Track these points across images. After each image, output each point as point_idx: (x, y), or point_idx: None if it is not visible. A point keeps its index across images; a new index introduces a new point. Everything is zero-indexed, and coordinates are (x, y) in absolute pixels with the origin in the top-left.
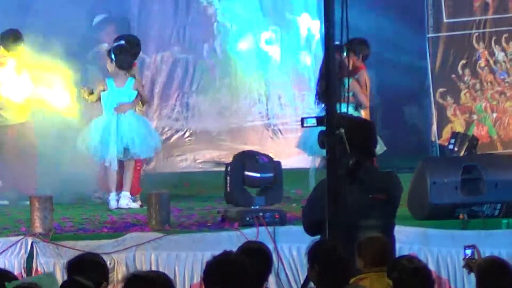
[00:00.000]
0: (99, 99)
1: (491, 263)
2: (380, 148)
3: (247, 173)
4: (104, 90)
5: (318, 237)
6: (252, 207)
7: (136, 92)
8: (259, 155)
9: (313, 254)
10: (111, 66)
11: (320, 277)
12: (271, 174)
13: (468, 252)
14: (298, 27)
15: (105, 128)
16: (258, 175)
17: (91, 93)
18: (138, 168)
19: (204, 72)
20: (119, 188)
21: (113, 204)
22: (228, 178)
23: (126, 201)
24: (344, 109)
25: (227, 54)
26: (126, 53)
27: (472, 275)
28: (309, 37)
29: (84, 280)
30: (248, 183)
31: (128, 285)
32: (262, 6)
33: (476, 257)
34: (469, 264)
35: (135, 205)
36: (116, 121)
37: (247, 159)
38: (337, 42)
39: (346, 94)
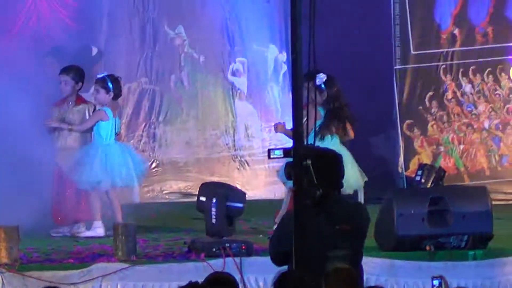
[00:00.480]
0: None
1: None
2: (361, 178)
3: (230, 204)
4: (102, 120)
5: (285, 267)
6: (224, 238)
7: (120, 121)
8: (228, 185)
9: (280, 285)
10: (105, 96)
11: None
12: (243, 204)
13: (436, 282)
14: (266, 58)
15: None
16: (241, 205)
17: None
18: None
19: (171, 103)
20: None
21: (101, 231)
22: (214, 209)
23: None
24: (330, 140)
25: (194, 85)
26: (118, 83)
27: None
28: (276, 69)
29: None
30: (231, 213)
31: None
32: (229, 38)
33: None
34: None
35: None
36: (118, 150)
37: (227, 190)
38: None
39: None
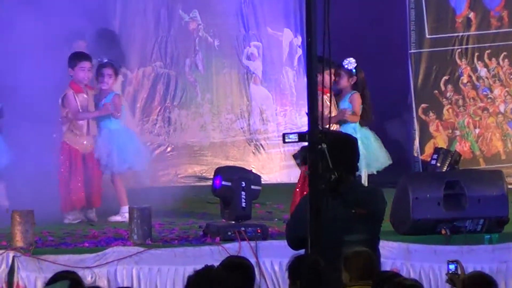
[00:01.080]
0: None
1: (476, 278)
2: (385, 161)
3: (254, 187)
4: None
5: (300, 251)
6: (233, 222)
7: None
8: (247, 169)
9: (294, 270)
10: (115, 82)
11: None
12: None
13: (452, 267)
14: (281, 42)
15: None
16: (259, 188)
17: None
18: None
19: (186, 87)
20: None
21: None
22: (243, 193)
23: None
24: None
25: (209, 69)
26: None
27: None
28: (291, 53)
29: None
30: (253, 197)
31: None
32: (244, 22)
33: (459, 272)
34: (452, 279)
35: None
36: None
37: (249, 173)
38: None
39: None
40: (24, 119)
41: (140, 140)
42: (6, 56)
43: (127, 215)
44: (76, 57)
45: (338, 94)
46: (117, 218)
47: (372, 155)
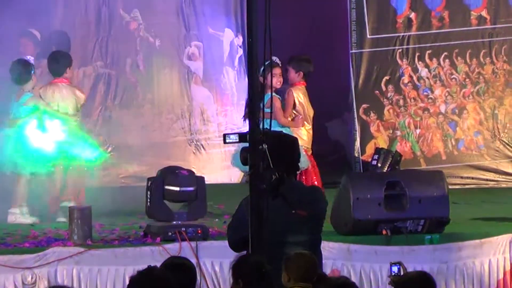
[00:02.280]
0: None
1: (415, 278)
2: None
3: (167, 187)
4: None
5: (242, 252)
6: (174, 222)
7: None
8: (180, 169)
9: (237, 269)
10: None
11: None
12: (191, 188)
13: (395, 269)
14: (221, 42)
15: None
16: (177, 189)
17: None
18: None
19: (127, 87)
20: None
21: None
22: (149, 192)
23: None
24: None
25: (150, 69)
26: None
27: None
28: (232, 53)
29: None
30: (168, 197)
31: None
32: (185, 21)
33: (402, 273)
34: (395, 281)
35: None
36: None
37: (167, 173)
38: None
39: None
40: None
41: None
42: None
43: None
44: None
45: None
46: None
47: None
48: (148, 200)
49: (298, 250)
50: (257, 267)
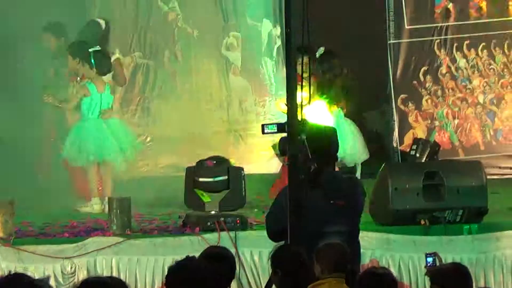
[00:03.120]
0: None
1: (450, 269)
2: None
3: (198, 178)
4: (85, 95)
5: (282, 242)
6: (213, 212)
7: (113, 97)
8: (215, 160)
9: (276, 259)
10: (89, 71)
11: (282, 282)
12: (219, 178)
13: (430, 259)
14: (260, 32)
15: (89, 133)
16: (202, 179)
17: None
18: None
19: (165, 78)
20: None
21: (98, 208)
22: (184, 183)
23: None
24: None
25: (188, 60)
26: (105, 58)
27: None
28: (270, 43)
29: None
30: (202, 187)
31: None
32: (223, 12)
33: (437, 264)
34: (431, 271)
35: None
36: (99, 125)
37: (200, 164)
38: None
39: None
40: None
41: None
42: None
43: (95, 206)
44: None
45: None
46: (87, 209)
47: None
48: (185, 190)
49: (330, 241)
50: (295, 257)
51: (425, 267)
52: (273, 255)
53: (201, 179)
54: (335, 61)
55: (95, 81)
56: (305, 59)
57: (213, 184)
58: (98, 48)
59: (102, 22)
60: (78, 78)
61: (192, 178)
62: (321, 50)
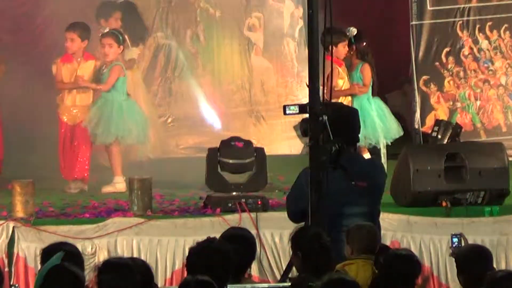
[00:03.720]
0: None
1: (471, 251)
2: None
3: (222, 159)
4: (120, 76)
5: (302, 223)
6: (234, 193)
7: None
8: (237, 141)
9: (296, 241)
10: (118, 51)
11: (302, 263)
12: (248, 160)
13: (455, 240)
14: (282, 13)
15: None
16: (232, 160)
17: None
18: None
19: (187, 58)
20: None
21: (122, 187)
22: (206, 164)
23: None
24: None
25: (210, 40)
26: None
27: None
28: (292, 24)
29: (75, 268)
30: (224, 168)
31: (102, 271)
32: None
33: (462, 244)
34: (455, 252)
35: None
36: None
37: (224, 145)
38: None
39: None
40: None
41: (142, 112)
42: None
43: (118, 185)
44: (66, 28)
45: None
46: (109, 188)
47: (387, 125)
48: (206, 172)
49: (357, 222)
50: (316, 239)
51: (450, 247)
52: (293, 237)
53: (229, 160)
54: (366, 41)
55: (122, 61)
56: (335, 40)
57: (242, 165)
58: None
59: None
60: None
61: (215, 159)
62: (354, 30)
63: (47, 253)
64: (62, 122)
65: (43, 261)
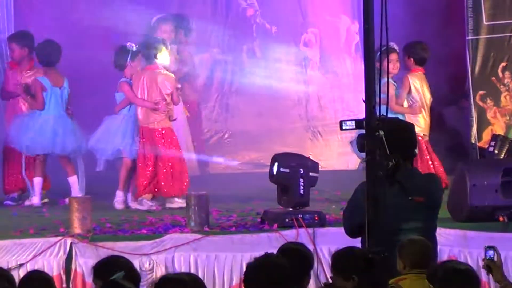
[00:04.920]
0: None
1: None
2: None
3: (312, 174)
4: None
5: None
6: (291, 208)
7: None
8: (304, 156)
9: (347, 265)
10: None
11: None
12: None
13: (491, 252)
14: (338, 28)
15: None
16: (316, 175)
17: None
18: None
19: (244, 74)
20: (122, 188)
21: (117, 205)
22: (302, 180)
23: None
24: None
25: (266, 55)
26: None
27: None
28: (348, 39)
29: (126, 283)
30: (311, 184)
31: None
32: (301, 8)
33: (495, 258)
34: (489, 265)
35: (140, 207)
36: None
37: (305, 160)
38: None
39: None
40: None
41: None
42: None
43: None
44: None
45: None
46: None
47: None
48: (301, 189)
49: (412, 236)
50: (368, 260)
51: (483, 260)
52: (342, 262)
53: (313, 174)
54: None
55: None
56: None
57: (316, 179)
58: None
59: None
60: None
61: (309, 173)
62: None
63: (104, 266)
64: None
65: (97, 276)
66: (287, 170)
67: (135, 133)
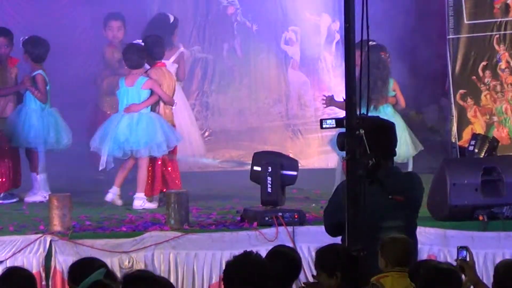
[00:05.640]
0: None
1: (509, 265)
2: (414, 148)
3: (285, 172)
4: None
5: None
6: (277, 207)
7: (147, 92)
8: (284, 154)
9: (331, 262)
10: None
11: (342, 281)
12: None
13: (464, 253)
14: (319, 27)
15: (107, 126)
16: (294, 173)
17: None
18: (156, 166)
19: (224, 72)
20: (119, 185)
21: (108, 196)
22: (269, 178)
23: (139, 202)
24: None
25: (247, 54)
26: (134, 52)
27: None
28: (329, 38)
29: (109, 281)
30: (285, 182)
31: (125, 284)
32: (282, 6)
33: (468, 258)
34: (462, 265)
35: (150, 205)
36: (119, 120)
37: (281, 158)
38: (373, 42)
39: (389, 94)
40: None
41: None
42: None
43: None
44: None
45: None
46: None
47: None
48: (269, 187)
49: (394, 235)
50: (350, 256)
51: (456, 260)
52: (325, 258)
53: (287, 172)
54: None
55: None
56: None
57: (295, 178)
58: (133, 42)
59: (171, 16)
60: None
61: (278, 171)
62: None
63: (78, 269)
64: None
65: (73, 278)
66: (259, 169)
67: (169, 131)
